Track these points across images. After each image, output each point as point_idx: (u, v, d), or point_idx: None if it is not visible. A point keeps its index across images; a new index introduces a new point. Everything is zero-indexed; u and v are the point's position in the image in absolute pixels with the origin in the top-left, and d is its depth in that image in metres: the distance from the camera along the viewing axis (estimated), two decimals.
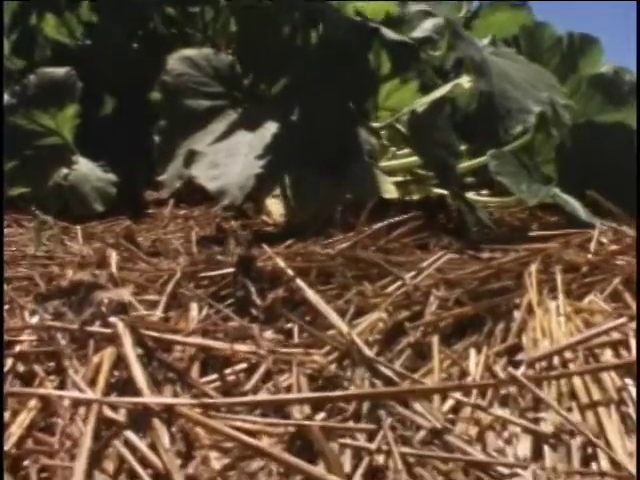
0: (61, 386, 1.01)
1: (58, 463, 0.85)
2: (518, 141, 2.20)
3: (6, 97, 2.51)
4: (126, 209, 2.28)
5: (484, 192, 2.39)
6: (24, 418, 0.93)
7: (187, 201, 2.40)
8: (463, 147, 2.26)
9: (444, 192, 2.18)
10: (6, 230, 2.05)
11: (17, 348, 1.10)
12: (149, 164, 2.11)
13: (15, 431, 0.90)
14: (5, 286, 1.33)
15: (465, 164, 2.25)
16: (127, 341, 1.02)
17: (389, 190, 2.11)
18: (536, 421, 0.94)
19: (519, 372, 1.02)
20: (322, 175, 1.97)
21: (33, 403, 0.96)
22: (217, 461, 0.86)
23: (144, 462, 0.84)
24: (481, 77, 1.90)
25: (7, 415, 0.93)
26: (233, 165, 1.83)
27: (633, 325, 1.11)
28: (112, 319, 1.07)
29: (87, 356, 1.05)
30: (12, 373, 1.05)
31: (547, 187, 2.09)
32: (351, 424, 0.92)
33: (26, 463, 0.86)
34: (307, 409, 0.94)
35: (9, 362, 1.06)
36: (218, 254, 1.43)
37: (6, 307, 1.25)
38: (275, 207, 2.06)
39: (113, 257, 1.47)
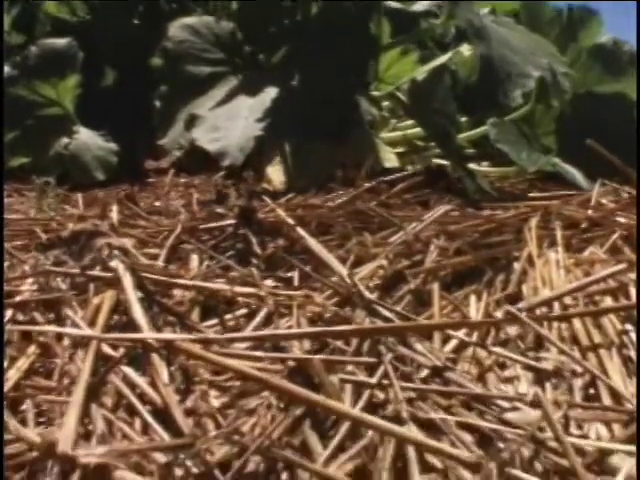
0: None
1: (55, 398, 0.85)
2: (518, 111, 2.19)
3: (7, 68, 2.50)
4: (127, 177, 2.28)
5: (484, 163, 2.38)
6: (23, 363, 0.92)
7: (187, 170, 2.39)
8: (464, 119, 2.26)
9: (445, 163, 2.18)
10: (7, 199, 2.04)
11: (17, 298, 1.09)
12: (150, 133, 2.11)
13: (13, 375, 0.90)
14: (6, 244, 1.33)
15: (466, 134, 2.24)
16: (128, 283, 1.01)
17: (390, 159, 2.11)
18: (537, 360, 0.94)
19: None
20: (322, 143, 1.97)
21: (32, 349, 0.95)
22: (216, 399, 0.86)
23: (143, 398, 0.84)
24: (481, 42, 1.90)
25: (5, 362, 0.91)
26: (233, 128, 1.83)
27: (632, 275, 1.10)
28: (113, 263, 1.07)
29: (87, 300, 1.04)
30: (12, 322, 1.04)
31: (547, 156, 2.09)
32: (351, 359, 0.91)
33: (24, 406, 0.85)
34: (307, 346, 0.93)
35: (9, 312, 1.05)
36: (218, 209, 1.43)
37: (6, 263, 1.25)
38: (275, 175, 2.05)
39: (114, 213, 1.46)
